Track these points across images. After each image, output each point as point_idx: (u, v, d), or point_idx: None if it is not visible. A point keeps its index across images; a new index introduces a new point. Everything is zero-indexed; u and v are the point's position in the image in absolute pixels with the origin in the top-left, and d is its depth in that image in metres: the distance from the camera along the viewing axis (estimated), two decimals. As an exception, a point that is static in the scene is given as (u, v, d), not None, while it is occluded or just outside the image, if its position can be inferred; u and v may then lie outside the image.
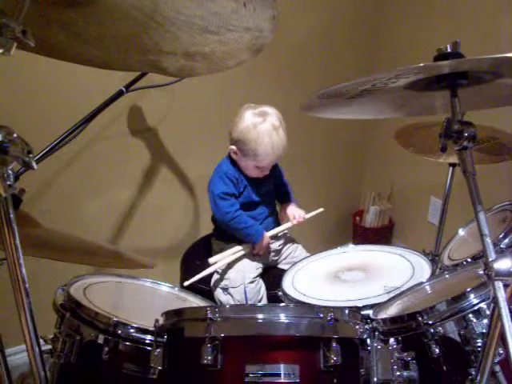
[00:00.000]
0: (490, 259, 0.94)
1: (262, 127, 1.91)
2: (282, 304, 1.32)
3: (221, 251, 2.11)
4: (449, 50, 1.04)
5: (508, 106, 1.32)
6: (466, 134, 1.00)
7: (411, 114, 1.40)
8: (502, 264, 0.94)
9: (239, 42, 0.94)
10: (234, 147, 1.99)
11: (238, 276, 2.05)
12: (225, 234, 2.11)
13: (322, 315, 1.11)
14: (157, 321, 1.28)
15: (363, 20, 3.05)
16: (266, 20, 0.87)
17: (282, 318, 1.11)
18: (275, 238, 2.18)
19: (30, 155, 0.80)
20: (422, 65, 0.86)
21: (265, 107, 1.97)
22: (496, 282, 0.94)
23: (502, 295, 0.93)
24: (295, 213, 2.18)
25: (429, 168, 2.18)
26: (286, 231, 2.23)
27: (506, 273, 0.94)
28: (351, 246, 2.08)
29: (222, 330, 1.10)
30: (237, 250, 2.08)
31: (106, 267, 1.71)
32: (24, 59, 1.47)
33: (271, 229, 2.15)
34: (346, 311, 1.19)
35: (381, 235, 3.35)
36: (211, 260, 2.04)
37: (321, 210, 2.19)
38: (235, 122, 1.97)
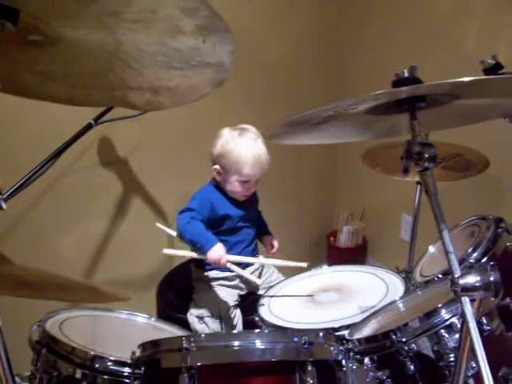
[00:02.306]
0: (456, 276, 0.97)
1: (241, 139, 1.94)
2: (257, 330, 1.33)
3: (199, 280, 2.11)
4: (406, 75, 1.07)
5: (468, 124, 1.36)
6: (427, 156, 1.03)
7: (376, 136, 1.44)
8: (468, 280, 0.96)
9: (202, 76, 0.96)
10: (216, 166, 1.99)
11: (213, 305, 2.04)
12: (202, 261, 2.07)
13: (296, 339, 1.12)
14: (133, 353, 1.28)
15: (329, 45, 3.12)
16: (226, 55, 0.90)
17: (257, 343, 1.12)
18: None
19: (-1, 196, 0.81)
20: (380, 91, 0.89)
21: (242, 125, 2.00)
22: (463, 298, 0.97)
23: (468, 310, 0.96)
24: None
25: (399, 186, 2.22)
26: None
27: (471, 288, 0.96)
28: (325, 267, 2.10)
29: (198, 359, 1.11)
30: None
31: (81, 302, 1.70)
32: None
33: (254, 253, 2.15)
34: (321, 333, 1.20)
35: (355, 254, 3.38)
36: (165, 250, 1.98)
37: (304, 264, 2.03)
38: (214, 142, 1.99)
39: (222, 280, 2.08)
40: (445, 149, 2.10)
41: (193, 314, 2.06)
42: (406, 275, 2.17)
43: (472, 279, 0.96)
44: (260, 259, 2.10)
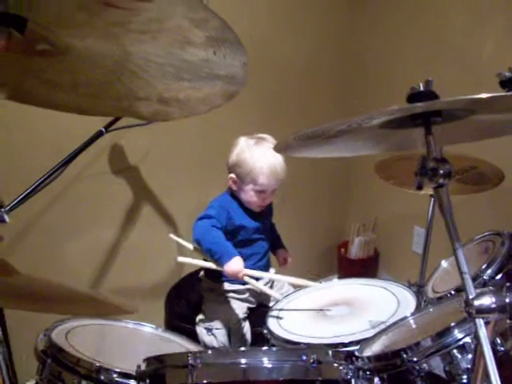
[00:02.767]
0: (471, 297, 0.94)
1: (257, 148, 1.92)
2: (264, 348, 1.30)
3: (210, 291, 2.08)
4: (422, 89, 1.04)
5: (484, 139, 1.33)
6: (442, 172, 1.00)
7: (389, 150, 1.41)
8: (483, 301, 0.93)
9: (212, 88, 0.94)
10: (232, 175, 1.97)
11: (223, 317, 2.02)
12: (215, 272, 2.04)
13: (305, 357, 1.10)
14: (138, 366, 1.26)
15: (341, 57, 3.11)
16: (238, 67, 0.88)
17: (265, 362, 1.10)
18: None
19: (1, 209, 0.79)
20: (395, 108, 0.87)
21: (260, 134, 1.97)
22: (477, 320, 0.94)
23: (483, 332, 0.93)
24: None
25: (411, 198, 2.19)
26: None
27: (486, 310, 0.93)
28: (335, 280, 2.07)
29: (204, 376, 1.09)
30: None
31: (88, 315, 1.68)
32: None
33: (267, 267, 2.13)
34: (330, 352, 1.18)
35: (366, 266, 3.34)
36: (179, 258, 1.94)
37: (318, 284, 2.02)
38: (231, 151, 1.97)
39: (233, 293, 2.06)
40: (458, 161, 2.06)
41: (201, 326, 2.04)
42: (418, 289, 2.15)
43: (487, 301, 0.93)
44: (276, 276, 2.07)
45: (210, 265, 1.91)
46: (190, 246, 2.04)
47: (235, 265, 1.85)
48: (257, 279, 1.98)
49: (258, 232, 2.05)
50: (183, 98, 0.99)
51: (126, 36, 0.82)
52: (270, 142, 1.94)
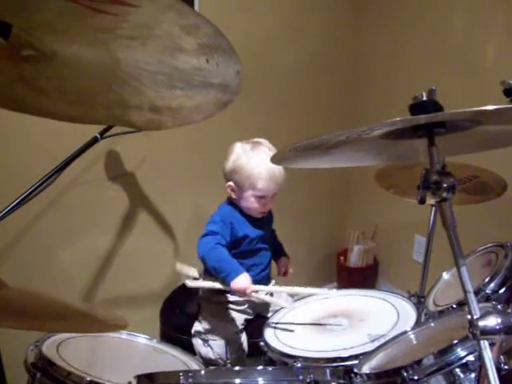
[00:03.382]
0: (475, 317, 0.90)
1: (253, 153, 1.87)
2: (259, 367, 1.25)
3: (207, 301, 2.04)
4: (424, 98, 1.00)
5: (489, 149, 1.29)
6: (445, 185, 0.96)
7: (389, 160, 1.38)
8: (488, 322, 0.89)
9: (205, 97, 0.91)
10: (230, 183, 1.92)
11: (220, 329, 1.97)
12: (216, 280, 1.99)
13: (301, 377, 1.06)
14: (129, 383, 1.22)
15: (344, 64, 3.09)
16: (231, 75, 0.84)
17: (260, 382, 1.05)
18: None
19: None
20: (397, 119, 0.83)
21: (255, 139, 1.93)
22: (482, 342, 0.89)
23: (488, 354, 0.89)
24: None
25: (412, 206, 2.15)
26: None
27: (491, 331, 0.89)
28: (334, 291, 2.03)
29: (195, 397, 1.04)
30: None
31: (78, 333, 1.64)
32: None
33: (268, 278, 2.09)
34: (328, 371, 1.14)
35: (366, 274, 3.31)
36: (188, 282, 1.86)
37: (331, 291, 2.00)
38: (226, 158, 1.93)
39: (232, 304, 2.01)
40: (460, 171, 2.03)
41: (197, 336, 1.99)
42: (418, 300, 2.11)
43: (492, 321, 0.89)
44: (284, 288, 1.98)
45: (218, 285, 1.86)
46: (196, 274, 1.97)
47: (242, 282, 1.80)
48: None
49: (261, 241, 2.01)
50: (176, 107, 0.95)
51: (114, 42, 0.78)
52: (266, 145, 1.90)
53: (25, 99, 1.04)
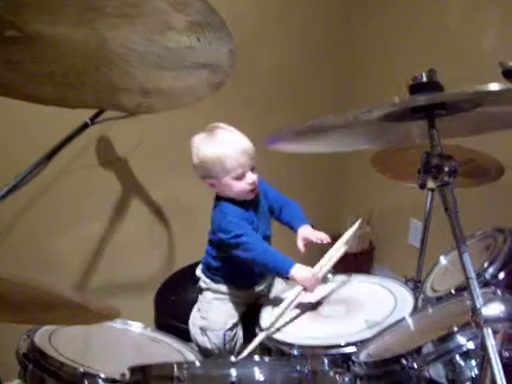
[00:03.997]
0: (478, 305, 0.87)
1: (210, 139, 1.81)
2: (256, 358, 1.23)
3: (208, 291, 2.00)
4: (424, 79, 0.97)
5: (489, 132, 1.26)
6: (447, 169, 0.93)
7: (387, 144, 1.35)
8: (491, 310, 0.86)
9: (197, 78, 0.87)
10: (207, 180, 1.86)
11: (219, 319, 1.92)
12: (217, 272, 1.96)
13: (298, 368, 1.03)
14: (123, 374, 1.19)
15: (335, 47, 3.04)
16: (224, 55, 0.81)
17: (257, 373, 1.03)
18: None
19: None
20: (396, 100, 0.79)
21: (210, 124, 1.87)
22: (485, 329, 0.87)
23: (491, 343, 0.86)
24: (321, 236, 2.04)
25: (408, 190, 2.14)
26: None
27: (495, 319, 0.86)
28: (330, 276, 2.00)
29: (190, 389, 1.02)
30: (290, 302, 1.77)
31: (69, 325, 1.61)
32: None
33: None
34: (325, 360, 1.11)
35: (361, 260, 3.29)
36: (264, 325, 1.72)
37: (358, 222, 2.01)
38: (192, 156, 1.87)
39: (232, 294, 1.97)
40: (455, 153, 1.99)
41: (196, 325, 1.96)
42: (415, 284, 2.09)
43: (496, 309, 0.86)
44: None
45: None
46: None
47: (304, 273, 1.77)
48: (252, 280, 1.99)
49: (263, 227, 1.96)
50: (166, 89, 0.91)
51: (100, 21, 0.74)
52: (220, 127, 1.84)
53: (10, 83, 1.00)
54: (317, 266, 1.86)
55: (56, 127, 1.87)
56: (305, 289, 1.75)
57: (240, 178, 1.82)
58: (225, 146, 1.79)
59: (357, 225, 1.96)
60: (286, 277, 1.84)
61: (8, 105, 1.89)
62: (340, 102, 3.04)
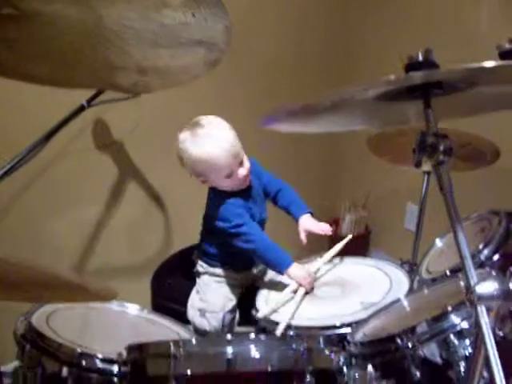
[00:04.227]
0: (472, 283, 0.88)
1: (194, 139, 1.78)
2: (252, 335, 1.24)
3: (206, 274, 2.00)
4: (420, 59, 0.97)
5: (485, 113, 1.26)
6: (442, 148, 0.93)
7: (383, 125, 1.35)
8: (485, 287, 0.87)
9: (193, 56, 0.87)
10: (199, 178, 1.85)
11: (218, 301, 1.92)
12: (214, 257, 1.96)
13: (294, 346, 1.04)
14: (120, 354, 1.20)
15: (334, 29, 3.03)
16: (219, 31, 0.81)
17: (253, 351, 1.04)
18: None
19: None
20: (392, 78, 0.79)
21: (194, 119, 1.84)
22: (479, 307, 0.87)
23: (485, 320, 0.87)
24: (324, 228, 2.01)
25: (404, 173, 2.14)
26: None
27: (489, 297, 0.87)
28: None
29: (186, 367, 1.03)
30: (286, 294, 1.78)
31: (67, 302, 1.61)
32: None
33: None
34: (321, 339, 1.12)
35: (357, 243, 3.29)
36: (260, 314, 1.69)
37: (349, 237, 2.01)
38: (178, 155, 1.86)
39: (229, 277, 1.98)
40: (451, 137, 2.00)
41: (195, 307, 1.96)
42: (411, 267, 2.10)
43: (490, 287, 0.87)
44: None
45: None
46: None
47: (300, 272, 1.79)
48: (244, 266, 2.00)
49: (258, 213, 1.96)
50: (163, 67, 0.91)
51: (96, -2, 0.74)
52: (202, 122, 1.80)
53: (6, 62, 1.00)
54: (312, 267, 1.89)
55: (52, 109, 1.87)
56: (301, 285, 1.77)
57: (230, 175, 1.81)
58: (211, 147, 1.75)
59: (346, 240, 1.97)
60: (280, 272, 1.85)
61: (4, 86, 1.90)
62: (336, 84, 3.03)
